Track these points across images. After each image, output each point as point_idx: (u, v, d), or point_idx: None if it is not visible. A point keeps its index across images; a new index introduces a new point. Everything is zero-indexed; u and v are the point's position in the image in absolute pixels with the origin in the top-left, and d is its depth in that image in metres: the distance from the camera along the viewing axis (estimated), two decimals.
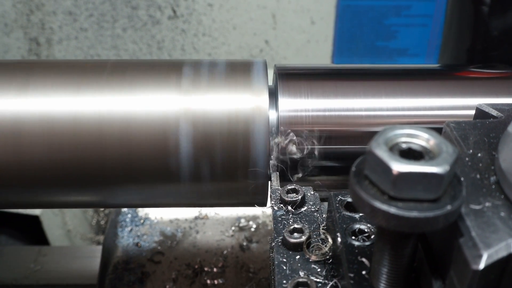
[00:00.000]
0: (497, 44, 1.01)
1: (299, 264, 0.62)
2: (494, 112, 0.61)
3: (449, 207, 0.44)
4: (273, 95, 0.81)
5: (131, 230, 1.35)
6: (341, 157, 0.81)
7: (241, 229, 1.34)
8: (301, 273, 0.60)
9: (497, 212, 0.47)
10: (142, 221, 1.37)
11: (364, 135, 0.80)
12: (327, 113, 0.80)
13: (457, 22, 1.06)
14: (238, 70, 0.82)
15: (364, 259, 0.57)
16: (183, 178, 0.79)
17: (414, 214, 0.43)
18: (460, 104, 0.83)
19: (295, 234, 0.64)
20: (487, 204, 0.48)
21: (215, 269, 1.23)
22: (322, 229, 0.66)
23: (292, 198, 0.70)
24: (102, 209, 2.01)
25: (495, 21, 1.00)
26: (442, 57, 1.08)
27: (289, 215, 0.69)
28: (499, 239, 0.44)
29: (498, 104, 0.63)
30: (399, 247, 0.50)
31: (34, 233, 1.67)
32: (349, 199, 0.64)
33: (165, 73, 0.80)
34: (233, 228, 1.34)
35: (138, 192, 0.83)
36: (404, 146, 0.47)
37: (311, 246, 0.63)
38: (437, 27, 1.90)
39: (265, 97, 0.78)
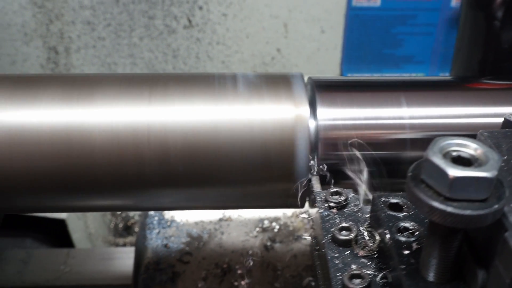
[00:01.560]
0: (507, 56, 1.09)
1: (349, 259, 0.70)
2: None
3: (496, 206, 0.52)
4: (311, 105, 0.88)
5: (158, 232, 1.42)
6: (375, 162, 0.89)
7: (264, 230, 1.41)
8: (353, 266, 0.68)
9: None
10: (168, 223, 1.44)
11: (395, 142, 0.88)
12: (362, 122, 0.88)
13: (469, 35, 1.14)
14: (279, 83, 0.89)
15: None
16: (231, 182, 0.86)
17: (468, 212, 0.51)
18: (480, 113, 0.91)
19: (344, 232, 0.72)
20: None
21: (242, 269, 1.31)
22: (367, 227, 0.74)
23: (336, 200, 0.78)
24: (119, 212, 2.08)
25: (506, 35, 1.08)
26: (454, 68, 1.16)
27: (334, 215, 0.77)
28: None
29: None
30: (449, 241, 0.58)
31: (58, 236, 1.73)
32: (392, 200, 0.72)
33: (222, 85, 0.88)
34: (257, 229, 1.42)
35: (184, 195, 0.90)
36: (454, 154, 0.55)
37: (359, 242, 0.71)
38: (441, 36, 1.99)
39: (306, 107, 0.86)
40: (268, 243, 1.40)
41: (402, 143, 0.88)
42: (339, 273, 0.68)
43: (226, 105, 0.86)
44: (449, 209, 0.52)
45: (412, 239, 0.67)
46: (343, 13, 1.92)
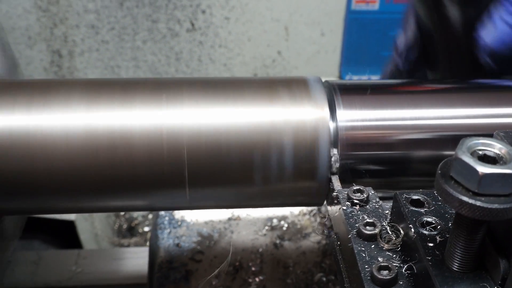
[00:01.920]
0: None
1: (375, 252, 0.74)
2: None
3: None
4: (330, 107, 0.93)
5: (170, 232, 1.45)
6: (391, 161, 0.93)
7: (273, 228, 1.45)
8: (380, 259, 0.73)
9: None
10: (179, 223, 1.48)
11: (412, 142, 0.93)
12: (379, 123, 0.92)
13: None
14: (299, 86, 0.94)
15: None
16: (257, 181, 0.90)
17: (495, 206, 0.56)
18: (494, 113, 0.96)
19: (369, 227, 0.77)
20: None
21: (254, 266, 1.35)
22: (389, 223, 0.79)
23: (358, 197, 0.82)
24: (122, 213, 2.11)
25: None
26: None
27: (357, 212, 0.81)
28: None
29: None
30: (473, 233, 0.62)
31: (65, 238, 1.76)
32: (414, 197, 0.77)
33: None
34: (265, 227, 1.46)
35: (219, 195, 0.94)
36: (480, 153, 0.60)
37: (383, 237, 0.76)
38: None
39: (326, 109, 0.91)
40: (277, 241, 1.44)
41: (417, 143, 0.92)
42: (367, 266, 0.72)
43: (247, 108, 0.91)
44: (478, 203, 0.56)
45: (435, 232, 0.71)
46: (343, 16, 1.97)
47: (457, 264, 0.66)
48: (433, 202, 0.76)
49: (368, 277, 0.71)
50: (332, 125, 0.92)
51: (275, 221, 1.47)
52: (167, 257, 1.40)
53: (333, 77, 2.09)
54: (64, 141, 0.86)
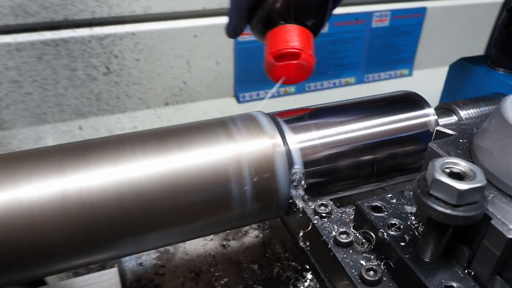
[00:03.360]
0: None
1: (354, 256, 0.71)
2: (449, 132, 0.75)
3: (485, 204, 0.56)
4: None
5: None
6: (335, 171, 0.91)
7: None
8: (362, 262, 0.69)
9: (499, 200, 0.61)
10: None
11: (353, 150, 0.91)
12: (322, 140, 0.89)
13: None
14: (251, 121, 0.87)
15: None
16: (234, 206, 0.83)
17: (472, 213, 0.55)
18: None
19: (342, 236, 0.73)
20: (491, 195, 0.61)
21: (211, 267, 1.26)
22: (355, 228, 0.76)
23: (324, 210, 0.78)
24: None
25: None
26: None
27: (326, 223, 0.77)
28: None
29: (447, 125, 0.78)
30: (444, 232, 0.61)
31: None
32: (374, 204, 0.74)
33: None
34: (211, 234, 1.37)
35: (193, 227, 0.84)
36: (448, 171, 0.58)
37: (358, 242, 0.73)
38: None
39: (279, 138, 0.85)
40: (224, 242, 1.36)
41: (352, 152, 0.91)
42: (354, 270, 0.68)
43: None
44: (460, 213, 0.55)
45: (400, 232, 0.70)
46: (232, 47, 1.92)
47: (429, 256, 0.65)
48: (388, 206, 0.75)
49: (358, 280, 0.67)
50: (284, 148, 0.87)
51: None
52: (135, 276, 1.26)
53: (229, 97, 2.03)
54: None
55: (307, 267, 1.13)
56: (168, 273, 1.25)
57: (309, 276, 1.07)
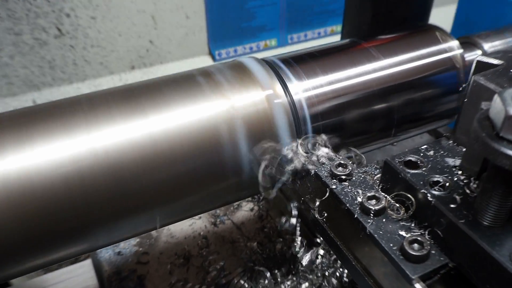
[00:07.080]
0: (397, 5, 1.00)
1: (390, 226, 0.58)
2: (495, 61, 0.62)
3: None
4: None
5: None
6: (349, 123, 0.77)
7: None
8: (402, 233, 0.56)
9: None
10: None
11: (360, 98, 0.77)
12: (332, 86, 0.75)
13: None
14: (242, 69, 0.72)
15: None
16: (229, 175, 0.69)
17: None
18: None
19: (373, 201, 0.60)
20: None
21: (202, 250, 1.13)
22: (382, 189, 0.62)
23: (343, 172, 0.65)
24: None
25: None
26: (345, 24, 1.06)
27: (347, 187, 0.64)
28: None
29: (492, 54, 0.64)
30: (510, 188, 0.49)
31: None
32: (407, 158, 0.61)
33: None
34: None
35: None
36: None
37: (391, 208, 0.59)
38: (284, 4, 1.91)
39: (279, 85, 0.71)
40: (214, 220, 1.23)
41: (367, 100, 0.76)
42: (392, 244, 0.55)
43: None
44: None
45: (446, 191, 0.57)
46: None
47: (491, 220, 0.52)
48: (426, 160, 0.61)
49: (400, 256, 0.54)
50: (285, 98, 0.72)
51: None
52: (113, 268, 1.11)
53: (204, 55, 1.85)
54: None
55: (318, 240, 1.00)
56: (152, 261, 1.11)
57: (321, 251, 0.95)
